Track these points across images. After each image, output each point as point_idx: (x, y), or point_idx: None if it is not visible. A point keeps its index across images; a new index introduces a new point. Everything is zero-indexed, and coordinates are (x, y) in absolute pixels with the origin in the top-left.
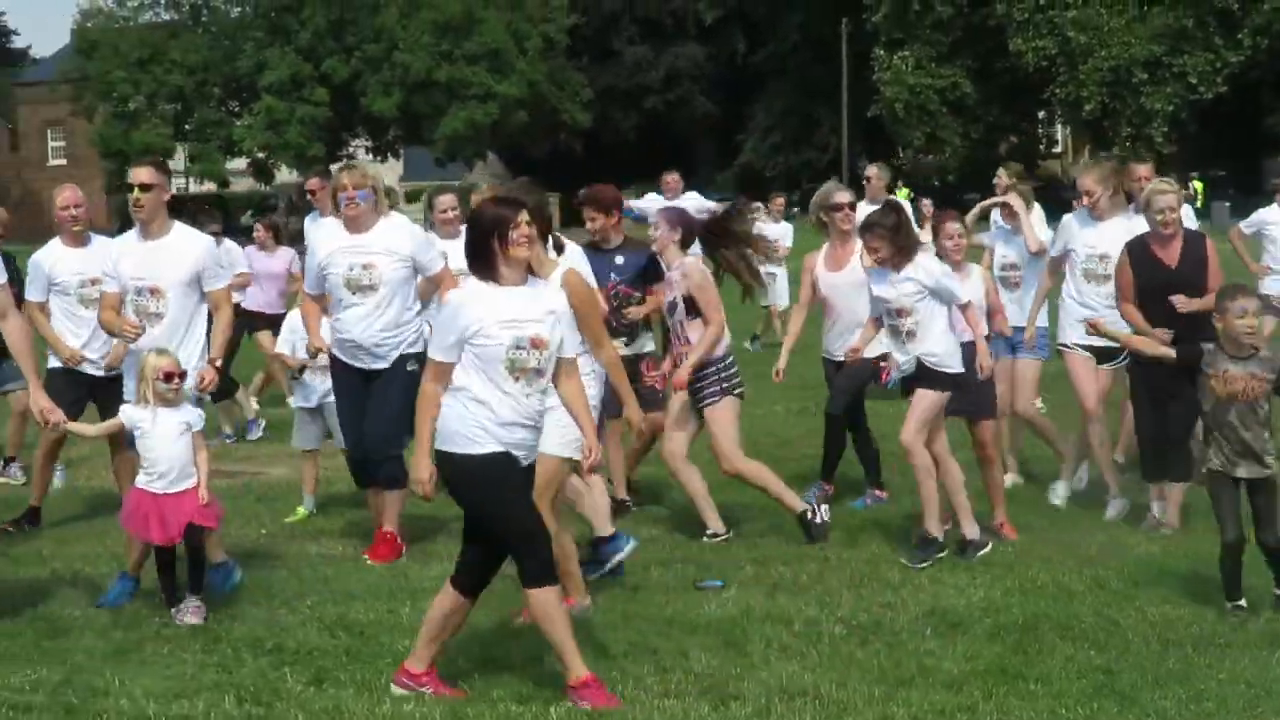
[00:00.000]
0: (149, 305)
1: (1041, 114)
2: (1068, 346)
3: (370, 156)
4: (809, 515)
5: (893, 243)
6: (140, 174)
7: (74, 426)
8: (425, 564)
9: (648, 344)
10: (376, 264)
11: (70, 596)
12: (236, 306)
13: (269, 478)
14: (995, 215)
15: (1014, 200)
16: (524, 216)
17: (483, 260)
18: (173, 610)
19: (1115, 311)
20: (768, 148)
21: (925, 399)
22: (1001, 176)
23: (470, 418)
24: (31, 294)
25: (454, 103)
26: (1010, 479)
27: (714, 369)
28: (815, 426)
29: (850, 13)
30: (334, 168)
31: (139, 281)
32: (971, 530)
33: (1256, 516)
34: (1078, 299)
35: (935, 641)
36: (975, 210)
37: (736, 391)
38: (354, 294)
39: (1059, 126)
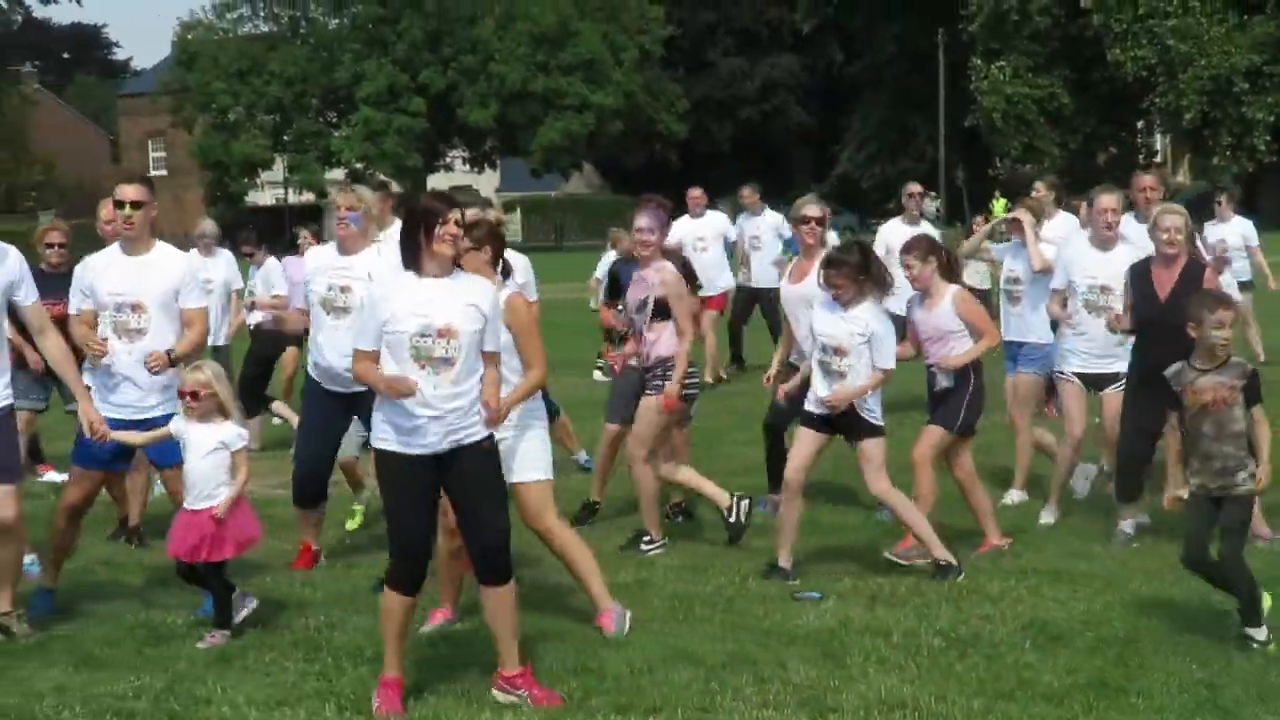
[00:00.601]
0: (130, 321)
1: (1140, 124)
2: (1062, 375)
3: (467, 167)
4: (648, 539)
5: (855, 281)
6: (130, 191)
7: (121, 435)
8: (525, 571)
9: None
10: (354, 288)
11: (172, 604)
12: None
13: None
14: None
15: (1023, 215)
16: (455, 215)
17: (408, 250)
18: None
19: (1110, 344)
20: (864, 158)
21: (872, 449)
22: (1040, 189)
23: (384, 412)
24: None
25: (550, 113)
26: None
27: (661, 368)
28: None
29: (947, 23)
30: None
31: (119, 297)
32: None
33: (1225, 532)
34: (1074, 330)
35: (1035, 654)
36: (981, 232)
37: (652, 393)
38: (328, 314)
39: (1158, 136)
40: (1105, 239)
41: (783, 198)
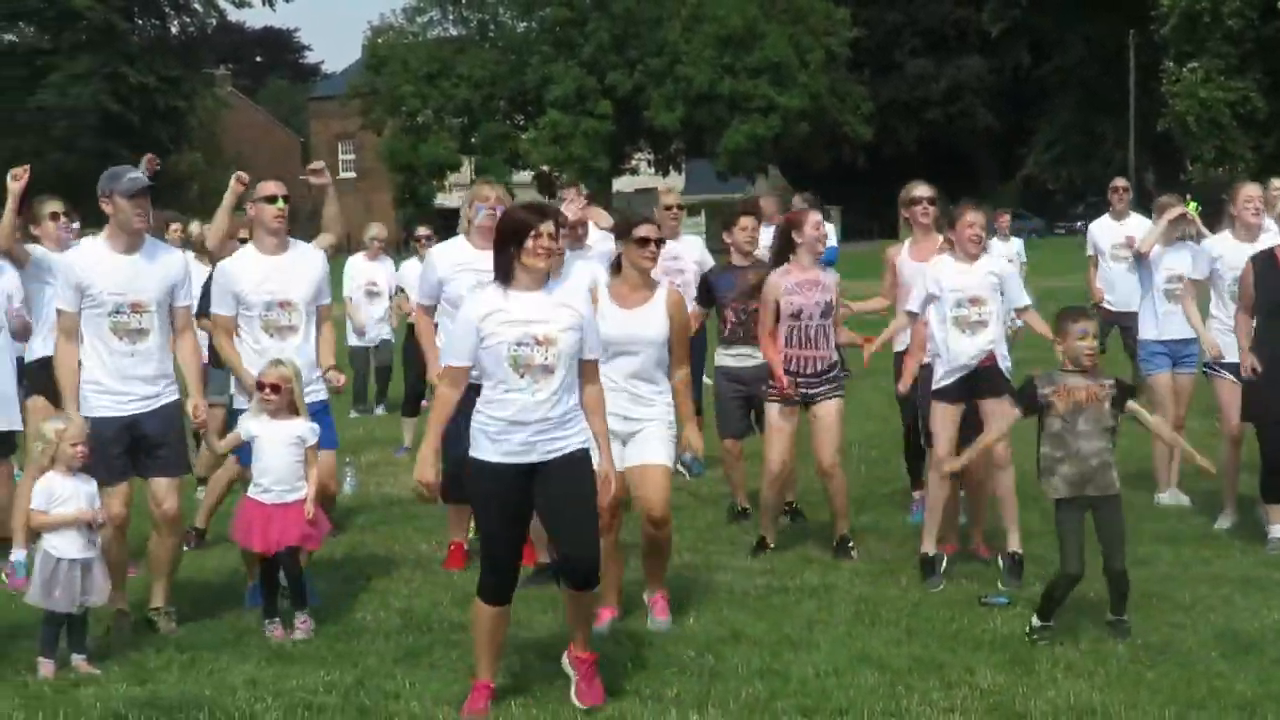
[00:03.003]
0: (279, 319)
1: None
2: (1213, 369)
3: (652, 169)
4: (849, 543)
5: (985, 230)
6: (278, 186)
7: (211, 434)
8: (713, 575)
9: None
10: None
11: (363, 600)
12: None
13: None
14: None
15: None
16: (547, 227)
17: (500, 263)
18: (266, 622)
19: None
20: (1049, 161)
21: (1005, 412)
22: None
23: (478, 421)
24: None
25: (736, 116)
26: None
27: (838, 367)
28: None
29: (1138, 25)
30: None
31: (269, 296)
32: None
33: (1104, 540)
34: (1224, 319)
35: (1226, 664)
36: (1158, 229)
37: (843, 394)
38: None
39: None
40: (1250, 227)
41: (966, 199)
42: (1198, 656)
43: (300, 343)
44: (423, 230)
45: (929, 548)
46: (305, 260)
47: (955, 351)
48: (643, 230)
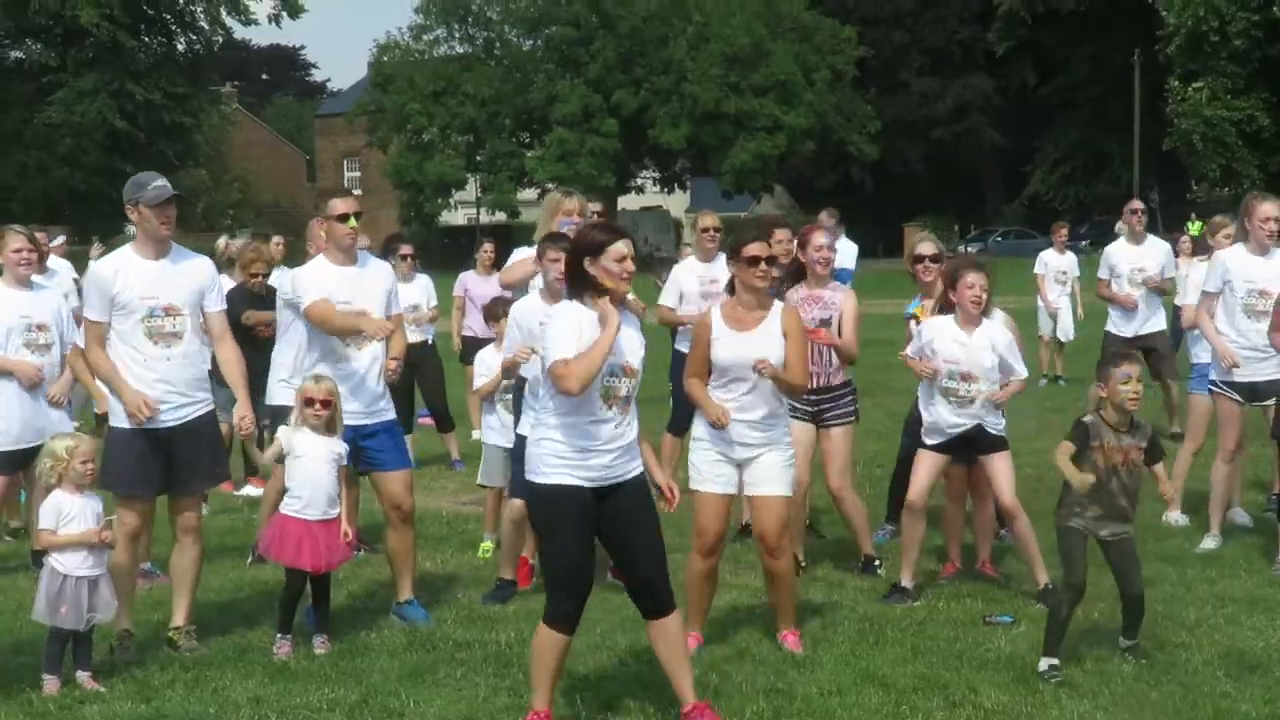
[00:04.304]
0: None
1: None
2: (1216, 386)
3: (657, 187)
4: (875, 562)
5: (988, 292)
6: (346, 205)
7: (251, 445)
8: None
9: None
10: None
11: (367, 618)
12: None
13: None
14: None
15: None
16: (624, 249)
17: (577, 284)
18: (279, 636)
19: (1271, 349)
20: (1056, 180)
21: (1001, 463)
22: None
23: (549, 446)
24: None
25: (742, 134)
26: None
27: (848, 390)
28: None
29: (1144, 44)
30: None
31: (346, 305)
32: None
33: (1119, 571)
34: (1234, 336)
35: (1231, 684)
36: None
37: (854, 419)
38: None
39: None
40: (1264, 245)
41: (972, 218)
42: (1202, 677)
43: (378, 351)
44: (405, 249)
45: (906, 581)
46: (376, 272)
47: (941, 419)
48: (753, 249)
